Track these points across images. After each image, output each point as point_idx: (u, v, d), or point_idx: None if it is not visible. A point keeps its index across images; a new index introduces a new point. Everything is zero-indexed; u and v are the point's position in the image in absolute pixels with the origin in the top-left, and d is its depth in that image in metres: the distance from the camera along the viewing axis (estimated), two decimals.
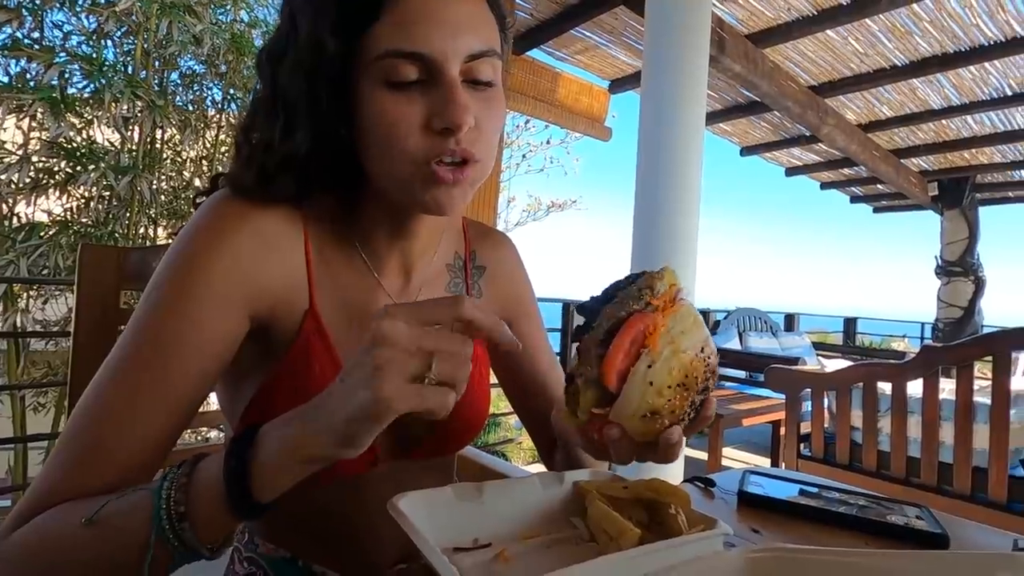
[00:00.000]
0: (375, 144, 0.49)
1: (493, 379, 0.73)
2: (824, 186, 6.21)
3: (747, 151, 5.09)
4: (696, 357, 0.42)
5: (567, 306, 4.14)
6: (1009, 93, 3.59)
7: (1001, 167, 5.05)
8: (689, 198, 2.32)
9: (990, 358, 1.92)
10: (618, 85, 3.82)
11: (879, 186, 5.98)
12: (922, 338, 7.29)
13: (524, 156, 9.47)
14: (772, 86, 3.18)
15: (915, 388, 2.07)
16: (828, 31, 2.95)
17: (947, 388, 2.06)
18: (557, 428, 0.59)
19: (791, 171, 5.63)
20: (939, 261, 5.66)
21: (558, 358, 0.79)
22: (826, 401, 2.43)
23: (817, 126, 3.75)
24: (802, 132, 4.51)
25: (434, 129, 0.47)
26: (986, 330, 5.55)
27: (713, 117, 4.20)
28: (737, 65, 2.87)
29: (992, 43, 2.97)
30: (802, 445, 2.47)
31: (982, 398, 1.96)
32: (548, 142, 9.70)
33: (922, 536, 0.52)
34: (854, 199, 6.72)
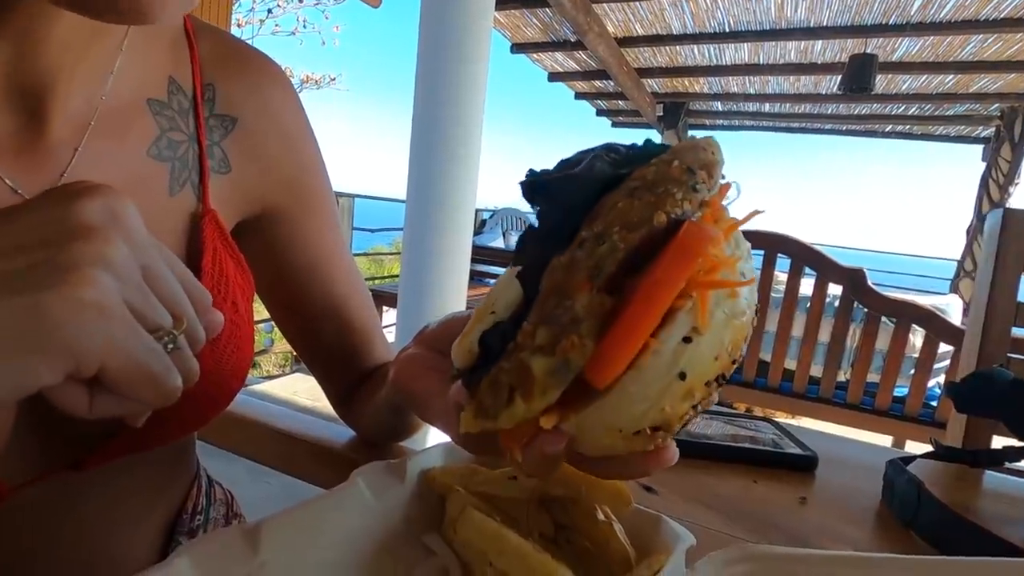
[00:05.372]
0: None
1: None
2: (578, 96, 6.65)
3: (517, 48, 5.03)
4: (751, 319, 0.22)
5: None
6: (727, 30, 4.19)
7: (707, 97, 6.06)
8: (475, 87, 2.11)
9: None
10: None
11: (620, 102, 6.66)
12: None
13: (270, 11, 7.78)
14: None
15: None
16: None
17: None
18: (416, 402, 0.33)
19: (553, 76, 5.82)
20: None
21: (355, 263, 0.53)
22: None
23: (585, 30, 3.84)
24: (567, 38, 4.61)
25: None
26: None
27: None
28: None
29: None
30: None
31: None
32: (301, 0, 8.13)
33: (796, 461, 0.48)
34: (599, 112, 7.41)
